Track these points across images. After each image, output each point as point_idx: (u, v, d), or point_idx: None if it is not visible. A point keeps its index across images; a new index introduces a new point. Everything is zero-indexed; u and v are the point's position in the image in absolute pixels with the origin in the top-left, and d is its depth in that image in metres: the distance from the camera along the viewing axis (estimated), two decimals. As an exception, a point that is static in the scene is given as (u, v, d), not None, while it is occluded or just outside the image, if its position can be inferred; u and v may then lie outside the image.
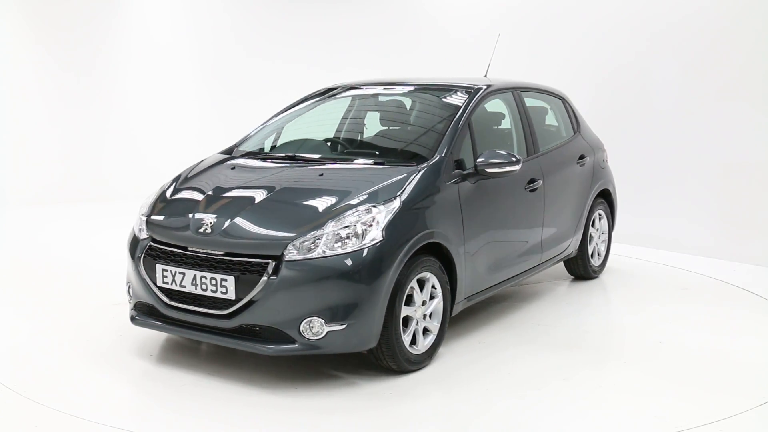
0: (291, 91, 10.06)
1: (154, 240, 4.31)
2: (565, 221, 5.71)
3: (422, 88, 5.45)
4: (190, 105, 11.01)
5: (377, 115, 5.53)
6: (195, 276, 4.01)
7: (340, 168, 4.64)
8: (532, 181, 5.21)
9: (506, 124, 5.53)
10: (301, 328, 3.84)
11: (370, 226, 3.97)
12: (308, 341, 3.86)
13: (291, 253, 3.87)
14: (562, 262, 6.15)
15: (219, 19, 10.93)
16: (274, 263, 3.87)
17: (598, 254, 6.34)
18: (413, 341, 4.23)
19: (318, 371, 4.25)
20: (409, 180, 4.29)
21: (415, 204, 4.20)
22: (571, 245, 5.88)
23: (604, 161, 6.33)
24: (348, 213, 4.00)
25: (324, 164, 4.67)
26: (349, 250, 3.89)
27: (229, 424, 3.64)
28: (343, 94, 5.67)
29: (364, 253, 3.89)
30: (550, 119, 6.07)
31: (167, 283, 4.13)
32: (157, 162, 10.34)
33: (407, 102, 5.47)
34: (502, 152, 4.66)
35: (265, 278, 3.85)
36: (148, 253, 4.27)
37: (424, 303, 4.27)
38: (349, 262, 3.86)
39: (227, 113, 10.84)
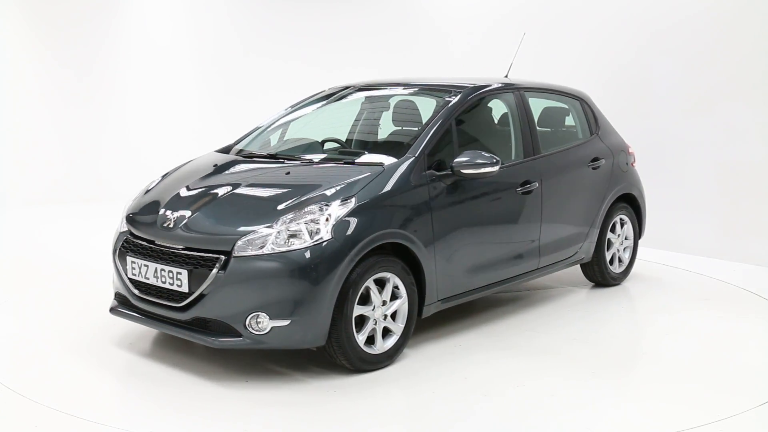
0: (291, 90, 10.08)
1: (131, 234, 4.50)
2: (571, 225, 5.56)
3: (422, 89, 5.45)
4: (190, 104, 11.00)
5: (379, 115, 5.56)
6: (156, 269, 4.18)
7: (308, 167, 4.70)
8: (526, 183, 5.10)
9: (506, 125, 5.46)
10: (247, 322, 3.94)
11: (320, 224, 4.02)
12: (254, 336, 3.95)
13: (240, 249, 3.96)
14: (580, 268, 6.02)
15: (219, 18, 10.92)
16: (224, 258, 3.96)
17: (620, 261, 6.10)
18: (372, 341, 4.24)
19: (275, 366, 4.34)
20: (370, 180, 4.31)
21: (373, 204, 4.21)
22: (582, 251, 5.70)
23: (627, 164, 6.08)
24: (299, 211, 4.07)
25: (301, 163, 4.76)
26: (295, 247, 3.95)
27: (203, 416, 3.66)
28: (342, 94, 5.68)
29: (311, 252, 3.95)
30: (570, 121, 5.98)
31: (135, 275, 4.33)
32: (157, 162, 10.32)
33: (407, 103, 5.47)
34: (481, 153, 4.59)
35: (214, 273, 3.96)
36: (123, 245, 4.47)
37: (384, 303, 4.27)
38: (294, 259, 3.93)
39: (227, 112, 10.82)
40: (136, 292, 4.35)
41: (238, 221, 4.12)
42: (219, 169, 4.87)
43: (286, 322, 3.92)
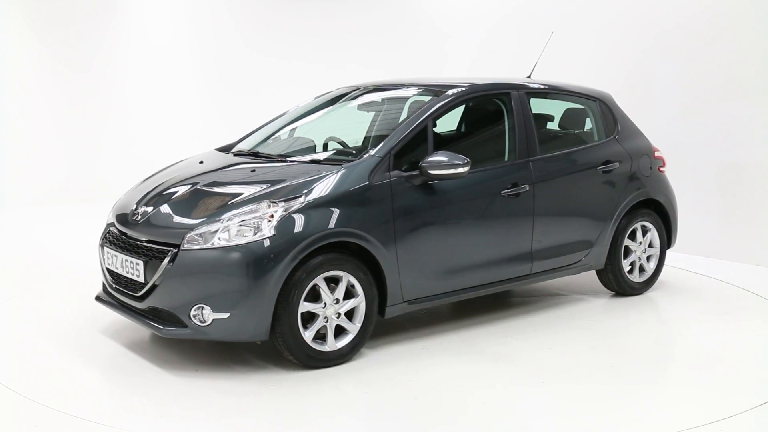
0: (291, 89, 10.08)
1: (113, 225, 4.73)
2: (574, 231, 5.37)
3: (421, 89, 5.39)
4: (190, 104, 11.00)
5: (397, 116, 5.51)
6: (123, 259, 4.44)
7: (274, 165, 4.78)
8: (514, 185, 4.98)
9: (498, 126, 5.32)
10: (191, 313, 4.09)
11: (264, 221, 4.11)
12: (197, 327, 4.11)
13: (187, 243, 4.11)
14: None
15: (219, 17, 10.92)
16: (174, 251, 4.13)
17: (642, 270, 5.82)
18: (324, 339, 4.30)
19: (231, 357, 4.47)
20: (324, 178, 4.35)
21: (321, 202, 4.25)
22: (590, 257, 5.48)
23: (651, 169, 5.79)
24: (246, 207, 4.18)
25: (283, 161, 4.81)
26: (238, 243, 4.07)
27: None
28: (353, 94, 5.62)
29: (252, 248, 4.05)
30: (589, 123, 5.79)
31: (109, 265, 4.60)
32: (158, 162, 10.30)
33: (399, 104, 5.43)
34: (449, 154, 4.54)
35: (164, 264, 4.14)
36: (105, 236, 4.74)
37: (338, 301, 4.29)
38: (235, 254, 4.04)
39: (228, 111, 10.83)
40: (110, 280, 4.62)
41: (192, 216, 4.29)
42: (198, 166, 5.00)
43: (226, 315, 4.05)
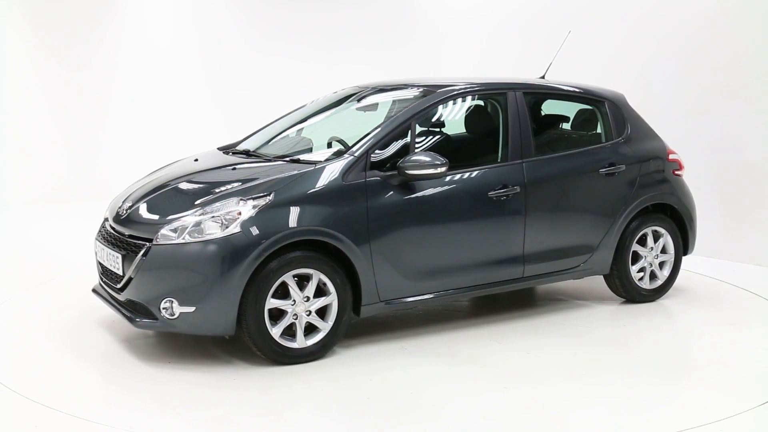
0: (292, 89, 10.09)
1: (107, 220, 4.87)
2: (572, 234, 5.24)
3: (419, 89, 5.35)
4: (190, 103, 11.00)
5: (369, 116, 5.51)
6: (108, 253, 4.59)
7: (255, 164, 4.83)
8: (503, 187, 4.90)
9: (490, 127, 5.28)
10: (161, 306, 4.21)
11: (231, 218, 4.19)
12: (166, 320, 4.23)
13: (159, 238, 4.24)
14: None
15: (219, 17, 10.92)
16: (148, 245, 4.26)
17: (653, 276, 5.62)
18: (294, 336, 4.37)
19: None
20: (295, 177, 4.40)
21: (290, 201, 4.30)
22: (592, 262, 5.34)
23: (664, 172, 5.61)
24: (216, 204, 4.27)
25: (269, 161, 4.84)
26: (204, 239, 4.17)
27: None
28: (361, 94, 5.54)
29: (217, 244, 4.14)
30: (597, 124, 5.64)
31: (99, 258, 4.76)
32: (158, 162, 10.31)
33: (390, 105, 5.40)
34: (427, 154, 4.53)
35: (138, 258, 4.27)
36: (99, 230, 4.89)
37: (308, 299, 4.33)
38: (201, 250, 4.15)
39: (228, 111, 10.83)
40: (100, 272, 4.83)
41: (167, 212, 4.41)
42: (191, 164, 5.10)
43: (192, 309, 4.16)
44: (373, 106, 5.53)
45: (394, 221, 4.55)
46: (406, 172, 4.52)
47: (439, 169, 4.52)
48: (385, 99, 5.55)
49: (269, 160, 4.86)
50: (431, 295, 4.78)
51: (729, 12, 7.00)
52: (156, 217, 4.44)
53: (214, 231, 4.17)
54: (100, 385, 4.28)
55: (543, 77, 5.88)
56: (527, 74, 6.14)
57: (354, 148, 4.60)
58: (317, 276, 4.33)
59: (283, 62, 10.57)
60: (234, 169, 4.77)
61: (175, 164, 5.34)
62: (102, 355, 4.59)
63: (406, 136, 4.74)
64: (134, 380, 4.22)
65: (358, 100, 5.49)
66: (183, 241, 4.19)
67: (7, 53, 9.93)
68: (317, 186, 4.39)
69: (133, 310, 4.39)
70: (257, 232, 4.17)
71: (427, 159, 4.51)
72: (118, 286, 4.44)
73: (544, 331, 5.04)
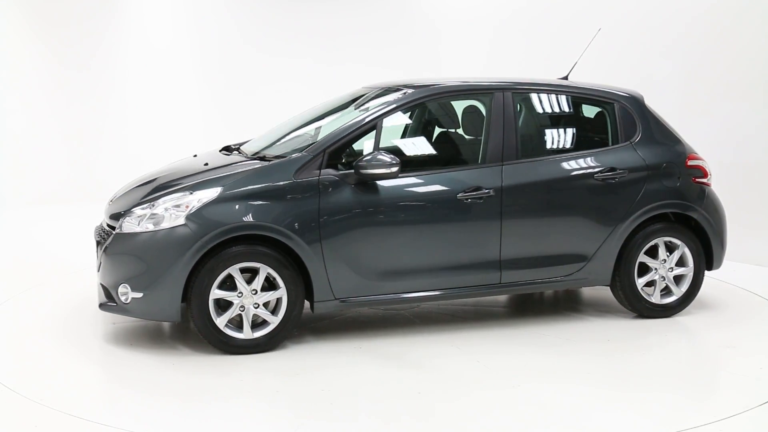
0: (292, 88, 10.09)
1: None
2: (560, 241, 5.00)
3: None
4: (190, 103, 11.00)
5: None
6: (96, 242, 4.85)
7: (223, 161, 4.93)
8: (476, 189, 4.76)
9: (472, 127, 5.21)
10: (119, 291, 4.48)
11: (178, 211, 4.41)
12: (121, 304, 4.50)
13: (121, 227, 4.53)
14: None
15: (219, 16, 10.91)
16: (113, 233, 4.58)
17: (666, 291, 5.24)
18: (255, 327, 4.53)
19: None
20: (247, 173, 4.55)
21: (237, 196, 4.44)
22: (587, 272, 5.06)
23: (679, 179, 5.21)
24: (170, 197, 4.49)
25: (246, 159, 4.91)
26: (152, 229, 4.41)
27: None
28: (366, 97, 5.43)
29: (162, 234, 4.38)
30: (605, 126, 5.32)
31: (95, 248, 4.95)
32: (158, 162, 10.32)
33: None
34: (381, 154, 4.53)
35: (104, 245, 4.58)
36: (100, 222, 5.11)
37: (256, 292, 4.47)
38: (148, 240, 4.42)
39: (228, 111, 10.82)
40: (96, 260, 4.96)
41: (131, 203, 4.65)
42: (191, 160, 5.29)
43: (140, 295, 4.40)
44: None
45: (349, 220, 4.58)
46: (360, 171, 4.55)
47: (390, 169, 4.53)
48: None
49: (246, 159, 4.91)
50: (395, 296, 4.75)
51: (729, 12, 7.00)
52: (120, 208, 4.71)
53: (164, 222, 4.41)
54: (100, 385, 4.28)
55: (566, 77, 5.71)
56: (552, 74, 6.03)
57: (309, 147, 4.67)
58: (264, 270, 4.45)
59: (284, 62, 10.56)
60: (206, 164, 4.90)
61: (178, 161, 5.46)
62: (102, 355, 4.59)
63: (374, 135, 4.71)
64: (135, 380, 4.22)
65: (367, 101, 5.37)
66: (138, 231, 4.45)
67: (7, 53, 9.93)
68: (266, 183, 4.50)
69: (105, 295, 4.64)
70: (201, 224, 4.36)
71: (379, 158, 4.53)
72: (97, 272, 4.73)
73: (517, 340, 4.84)
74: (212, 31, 10.89)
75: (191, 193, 4.46)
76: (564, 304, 5.68)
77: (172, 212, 4.42)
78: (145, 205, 4.52)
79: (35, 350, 4.68)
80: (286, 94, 10.11)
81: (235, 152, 5.25)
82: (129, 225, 4.50)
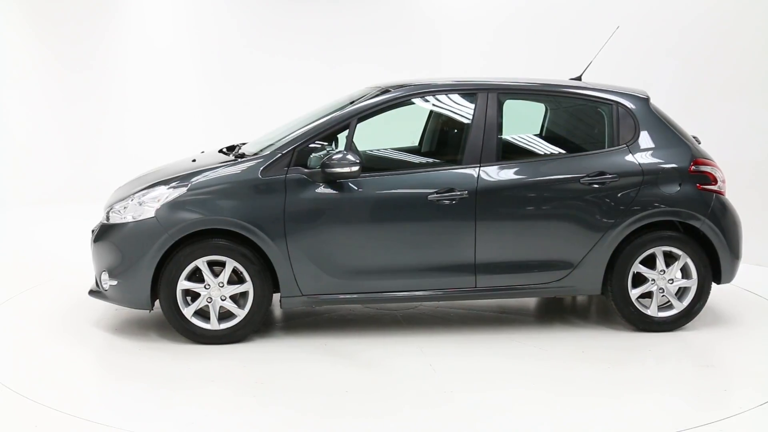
0: (292, 88, 10.09)
1: None
2: (542, 247, 4.83)
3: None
4: (191, 103, 11.00)
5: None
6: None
7: (212, 159, 5.02)
8: (449, 190, 4.69)
9: (451, 128, 5.22)
10: (102, 278, 4.77)
11: (150, 205, 4.63)
12: (103, 291, 4.80)
13: (108, 217, 4.80)
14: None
15: (219, 16, 10.92)
16: (101, 224, 4.85)
17: (667, 304, 5.02)
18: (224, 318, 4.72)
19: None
20: (216, 170, 4.71)
21: (203, 192, 4.62)
22: (573, 280, 4.87)
23: (680, 186, 4.90)
24: (148, 191, 4.71)
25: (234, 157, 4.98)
26: (125, 221, 4.68)
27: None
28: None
29: (132, 227, 4.65)
30: (602, 128, 5.10)
31: None
32: (158, 162, 10.32)
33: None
34: (343, 153, 4.57)
35: (94, 235, 4.87)
36: None
37: (223, 285, 4.65)
38: (121, 231, 4.68)
39: (228, 110, 10.82)
40: None
41: (120, 196, 4.90)
42: (181, 159, 5.44)
43: (115, 283, 4.68)
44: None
45: (316, 218, 4.64)
46: (326, 170, 4.60)
47: (351, 168, 4.56)
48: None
49: (230, 158, 4.95)
50: (364, 295, 4.79)
51: (730, 13, 7.00)
52: (117, 200, 4.89)
53: (139, 215, 4.63)
54: (100, 385, 4.28)
55: (579, 78, 5.57)
56: (563, 74, 5.97)
57: (277, 145, 4.76)
58: (231, 264, 4.63)
59: (284, 62, 10.56)
60: (194, 161, 5.10)
61: (179, 160, 5.59)
62: (102, 355, 4.60)
63: (348, 135, 4.74)
64: (135, 380, 4.22)
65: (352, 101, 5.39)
66: (117, 222, 4.71)
67: (7, 53, 9.93)
68: (233, 180, 4.66)
69: (96, 283, 4.92)
70: (168, 218, 4.57)
71: (337, 157, 4.56)
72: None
73: (486, 346, 4.73)
74: (212, 31, 10.89)
75: (165, 188, 4.66)
76: (550, 315, 5.67)
77: (146, 206, 4.63)
78: (126, 198, 4.76)
79: (35, 350, 4.69)
80: (287, 94, 10.11)
81: (235, 152, 5.20)
82: (114, 216, 4.75)
